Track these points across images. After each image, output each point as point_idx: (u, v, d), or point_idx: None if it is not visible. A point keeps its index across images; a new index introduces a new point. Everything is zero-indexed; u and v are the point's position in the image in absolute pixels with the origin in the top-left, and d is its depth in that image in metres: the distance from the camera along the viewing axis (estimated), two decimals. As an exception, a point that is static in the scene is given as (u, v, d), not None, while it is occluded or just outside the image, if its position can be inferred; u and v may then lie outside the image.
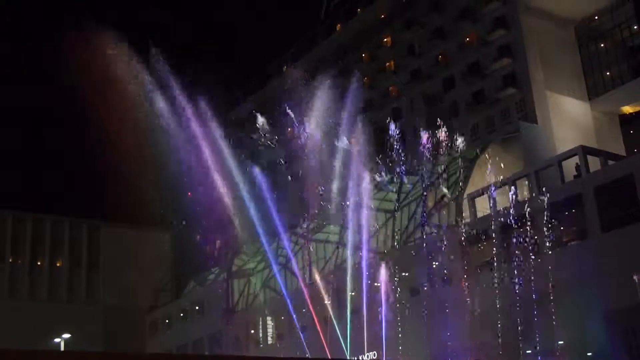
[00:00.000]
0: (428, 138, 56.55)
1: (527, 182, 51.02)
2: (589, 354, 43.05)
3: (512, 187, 49.67)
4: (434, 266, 53.78)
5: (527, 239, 46.90)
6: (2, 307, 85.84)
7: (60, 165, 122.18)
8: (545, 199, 46.38)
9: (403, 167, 60.26)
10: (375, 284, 54.45)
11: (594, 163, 48.97)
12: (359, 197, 56.84)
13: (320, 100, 58.81)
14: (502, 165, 52.60)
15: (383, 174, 59.67)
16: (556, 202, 46.17)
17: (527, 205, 47.38)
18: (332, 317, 57.42)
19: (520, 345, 45.30)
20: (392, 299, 53.44)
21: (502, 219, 48.49)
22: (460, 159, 57.99)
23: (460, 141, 57.12)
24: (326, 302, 58.61)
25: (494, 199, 51.19)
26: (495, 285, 47.12)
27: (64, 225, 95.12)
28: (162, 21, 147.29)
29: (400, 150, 59.62)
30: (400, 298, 53.98)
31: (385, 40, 77.87)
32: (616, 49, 62.91)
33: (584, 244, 45.45)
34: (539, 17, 63.87)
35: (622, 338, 40.72)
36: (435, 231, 55.27)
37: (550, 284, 43.97)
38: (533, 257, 46.09)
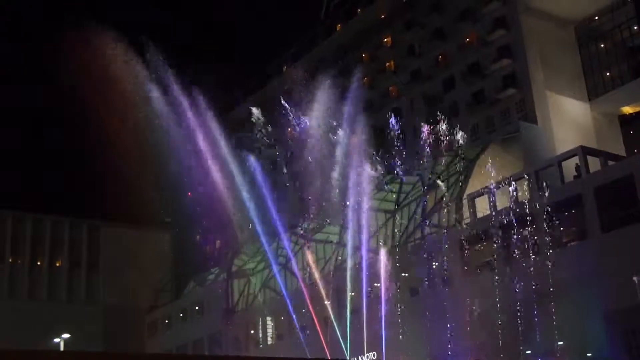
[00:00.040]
0: (429, 132, 56.65)
1: (527, 183, 50.95)
2: (589, 354, 43.03)
3: (512, 188, 49.65)
4: (434, 266, 53.80)
5: (527, 240, 46.92)
6: (2, 307, 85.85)
7: (60, 165, 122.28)
8: (545, 199, 46.41)
9: (403, 164, 60.34)
10: (375, 284, 54.45)
11: (594, 163, 48.95)
12: (359, 197, 56.84)
13: (321, 100, 58.83)
14: (502, 165, 52.62)
15: (379, 167, 59.41)
16: (556, 202, 46.17)
17: (527, 205, 47.40)
18: (332, 317, 57.44)
19: (521, 346, 45.31)
20: (392, 299, 53.44)
21: (502, 219, 48.50)
22: (460, 159, 58.01)
23: (460, 135, 57.21)
24: (326, 302, 58.63)
25: (494, 199, 51.22)
26: (495, 285, 47.09)
27: (63, 225, 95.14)
28: (162, 21, 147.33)
29: (399, 146, 59.70)
30: (400, 298, 54.01)
31: (385, 40, 77.88)
32: (616, 49, 62.90)
33: (583, 244, 45.44)
34: (539, 18, 63.87)
35: (621, 338, 40.70)
36: (435, 231, 55.28)
37: (549, 287, 44.01)
38: (533, 257, 46.11)
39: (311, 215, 66.34)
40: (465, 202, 54.40)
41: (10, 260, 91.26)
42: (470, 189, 54.72)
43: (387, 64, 77.06)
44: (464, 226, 52.55)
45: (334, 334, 56.06)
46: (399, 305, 53.13)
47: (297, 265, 65.12)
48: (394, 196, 61.42)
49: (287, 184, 69.85)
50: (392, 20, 76.86)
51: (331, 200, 60.23)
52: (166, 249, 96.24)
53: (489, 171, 52.11)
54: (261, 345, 68.61)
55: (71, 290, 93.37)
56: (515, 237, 47.36)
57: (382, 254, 54.41)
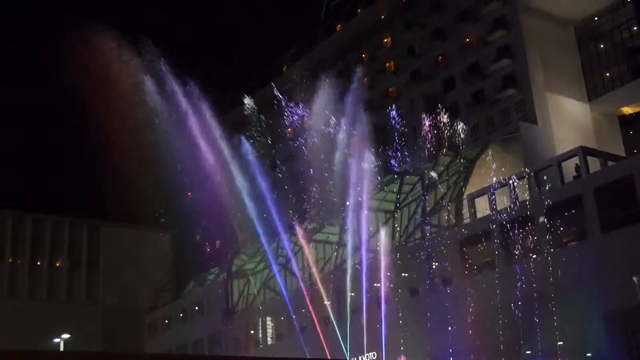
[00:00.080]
0: (430, 125, 56.72)
1: (527, 183, 50.98)
2: (589, 354, 43.05)
3: (512, 188, 49.67)
4: (434, 267, 53.84)
5: (527, 240, 46.94)
6: (2, 307, 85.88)
7: (60, 165, 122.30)
8: (545, 199, 46.43)
9: (402, 160, 60.43)
10: (375, 284, 54.48)
11: (594, 164, 48.96)
12: (359, 197, 56.90)
13: (320, 100, 58.87)
14: (502, 165, 52.64)
15: (375, 158, 59.24)
16: (556, 202, 46.19)
17: (527, 205, 47.41)
18: (332, 317, 57.46)
19: (520, 346, 45.32)
20: (392, 299, 53.48)
21: (501, 219, 48.52)
22: (460, 159, 58.05)
23: (461, 127, 57.28)
24: (326, 302, 58.65)
25: (494, 200, 51.26)
26: (495, 285, 47.10)
27: (63, 226, 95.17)
28: (162, 21, 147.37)
29: (400, 136, 59.71)
30: (400, 298, 54.03)
31: (385, 40, 77.88)
32: (616, 49, 62.87)
33: (583, 244, 45.44)
34: (539, 18, 63.86)
35: (621, 338, 40.70)
36: (435, 231, 55.31)
37: (549, 287, 44.02)
38: (533, 257, 46.13)
39: (311, 217, 66.46)
40: (465, 202, 54.44)
41: (10, 260, 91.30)
42: (470, 189, 54.74)
43: (387, 64, 77.05)
44: (464, 227, 52.55)
45: (334, 334, 56.08)
46: (399, 304, 53.15)
47: (297, 265, 65.14)
48: (394, 196, 61.47)
49: (286, 186, 69.80)
50: (392, 21, 76.86)
51: (331, 199, 60.32)
52: (166, 249, 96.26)
53: (489, 171, 52.16)
54: (261, 346, 68.63)
55: (71, 290, 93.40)
56: (515, 237, 47.37)
57: (382, 254, 54.44)
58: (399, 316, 52.30)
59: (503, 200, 51.11)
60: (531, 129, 59.45)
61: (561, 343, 43.67)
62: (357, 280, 55.17)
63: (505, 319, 45.65)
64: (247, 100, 67.72)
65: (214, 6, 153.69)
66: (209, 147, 54.41)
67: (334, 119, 60.01)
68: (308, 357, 55.42)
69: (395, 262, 54.19)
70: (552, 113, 61.04)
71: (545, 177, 49.61)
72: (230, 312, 73.88)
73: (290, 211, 62.49)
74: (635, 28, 62.06)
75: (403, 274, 55.12)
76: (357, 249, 57.63)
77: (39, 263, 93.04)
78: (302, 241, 62.87)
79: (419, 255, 54.21)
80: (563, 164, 50.16)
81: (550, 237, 45.91)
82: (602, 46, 64.25)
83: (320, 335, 57.14)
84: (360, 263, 56.14)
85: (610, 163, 48.64)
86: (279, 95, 67.38)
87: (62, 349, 65.76)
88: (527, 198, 48.84)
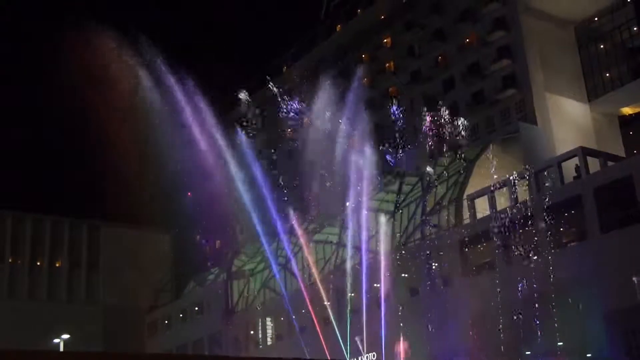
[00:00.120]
0: (430, 121, 56.74)
1: (527, 183, 50.99)
2: (589, 354, 43.06)
3: (512, 184, 49.67)
4: (434, 267, 53.84)
5: (527, 240, 46.95)
6: (2, 308, 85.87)
7: (60, 165, 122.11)
8: (545, 200, 46.44)
9: (402, 158, 60.48)
10: (375, 284, 54.48)
11: (594, 164, 48.98)
12: (360, 198, 56.90)
13: (321, 100, 58.88)
14: (501, 166, 52.65)
15: (373, 158, 59.21)
16: (556, 203, 46.21)
17: (526, 206, 47.42)
18: (332, 317, 57.46)
19: (521, 347, 45.33)
20: (392, 299, 53.47)
21: (501, 220, 48.52)
22: (460, 159, 58.04)
23: (461, 121, 57.25)
24: (326, 302, 58.64)
25: (494, 200, 51.28)
26: (495, 286, 47.11)
27: (63, 226, 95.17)
28: (162, 21, 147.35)
29: (400, 127, 59.70)
30: (400, 299, 54.02)
31: (385, 41, 77.90)
32: (616, 50, 62.90)
33: (583, 244, 45.47)
34: (539, 18, 63.89)
35: (621, 338, 40.72)
36: (435, 232, 55.31)
37: (549, 287, 44.03)
38: (533, 258, 46.13)
39: (311, 217, 66.45)
40: (464, 202, 54.45)
41: (10, 260, 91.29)
42: (470, 189, 54.76)
43: (387, 64, 77.08)
44: (464, 227, 52.57)
45: (334, 334, 56.07)
46: (399, 304, 53.15)
47: (296, 265, 65.14)
48: (394, 197, 61.48)
49: (281, 182, 69.82)
50: (392, 21, 76.87)
51: (331, 199, 60.30)
52: (166, 249, 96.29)
53: (488, 171, 52.18)
54: (261, 346, 68.65)
55: (71, 290, 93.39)
56: (515, 237, 47.38)
57: (382, 254, 54.45)
58: (399, 316, 52.28)
59: (503, 201, 51.14)
60: (531, 129, 59.48)
61: (561, 343, 43.69)
62: (357, 281, 55.18)
63: (505, 319, 45.65)
64: (243, 95, 67.71)
65: (214, 6, 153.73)
66: (209, 147, 54.39)
67: (334, 119, 59.99)
68: (308, 357, 55.44)
69: (395, 263, 54.18)
70: (552, 113, 61.07)
71: (546, 174, 49.63)
72: (230, 312, 73.92)
73: (291, 211, 62.45)
74: (635, 28, 62.08)
75: (403, 275, 55.11)
76: (357, 249, 57.62)
77: (38, 263, 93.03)
78: (302, 241, 62.90)
79: (419, 256, 54.22)
80: (563, 164, 50.19)
81: (550, 237, 45.92)
82: (602, 46, 64.28)
83: (320, 336, 57.14)
84: (360, 263, 56.14)
85: (610, 163, 48.67)
86: (274, 88, 67.37)
87: (62, 349, 65.78)
88: (527, 198, 48.85)
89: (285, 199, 66.16)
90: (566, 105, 62.79)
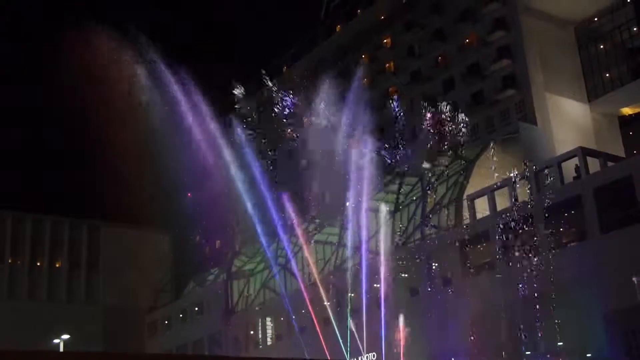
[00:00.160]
0: (431, 118, 56.71)
1: (526, 184, 50.98)
2: (589, 355, 43.07)
3: (512, 183, 49.66)
4: (434, 267, 53.84)
5: (527, 240, 46.94)
6: (2, 308, 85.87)
7: (60, 165, 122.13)
8: (545, 200, 46.43)
9: (402, 158, 60.47)
10: (375, 285, 54.45)
11: (594, 164, 48.99)
12: (359, 198, 56.88)
13: (321, 100, 58.86)
14: (501, 166, 52.66)
15: (373, 157, 59.19)
16: (556, 203, 46.20)
17: (526, 206, 47.41)
18: (332, 318, 57.44)
19: (520, 347, 45.33)
20: (392, 299, 53.43)
21: (501, 220, 48.52)
22: (460, 159, 58.05)
23: (461, 117, 57.22)
24: (326, 303, 58.63)
25: (494, 200, 51.26)
26: (495, 286, 47.10)
27: (63, 226, 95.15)
28: (162, 21, 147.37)
29: (400, 122, 59.65)
30: (400, 299, 53.98)
31: (385, 41, 77.92)
32: (616, 50, 62.91)
33: (583, 245, 45.47)
34: (539, 18, 63.90)
35: (621, 339, 40.70)
36: (435, 232, 55.31)
37: (549, 288, 44.02)
38: (533, 258, 46.12)
39: (311, 217, 66.42)
40: (464, 203, 54.44)
41: (10, 261, 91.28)
42: (470, 189, 54.75)
43: (387, 64, 77.09)
44: (464, 227, 52.56)
45: (334, 334, 56.05)
46: (399, 304, 53.11)
47: (296, 265, 65.14)
48: (394, 197, 61.47)
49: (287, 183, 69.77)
50: (391, 21, 76.88)
51: (330, 199, 60.29)
52: (166, 249, 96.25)
53: (488, 171, 52.16)
54: (260, 346, 68.65)
55: (71, 291, 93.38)
56: (515, 237, 47.37)
57: (382, 254, 54.43)
58: (399, 317, 52.25)
59: (503, 201, 51.12)
60: (531, 130, 59.48)
61: (561, 343, 43.70)
62: (357, 281, 55.16)
63: (505, 319, 45.64)
64: (237, 91, 67.66)
65: (214, 6, 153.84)
66: (209, 147, 54.38)
67: (334, 119, 59.98)
68: (308, 357, 55.43)
69: (395, 263, 54.16)
70: (551, 114, 61.08)
71: (546, 173, 49.62)
72: (230, 313, 73.91)
73: (290, 211, 62.45)
74: (635, 29, 62.10)
75: (403, 275, 55.10)
76: (357, 249, 57.62)
77: (38, 263, 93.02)
78: (302, 241, 62.89)
79: (419, 256, 54.23)
80: (563, 164, 50.20)
81: (550, 237, 45.91)
82: (602, 47, 64.29)
83: (320, 336, 57.12)
84: (360, 263, 56.14)
85: (609, 164, 48.68)
86: (268, 82, 67.33)
87: (62, 349, 65.76)
88: (527, 198, 48.84)
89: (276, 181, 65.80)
90: (566, 106, 62.80)
